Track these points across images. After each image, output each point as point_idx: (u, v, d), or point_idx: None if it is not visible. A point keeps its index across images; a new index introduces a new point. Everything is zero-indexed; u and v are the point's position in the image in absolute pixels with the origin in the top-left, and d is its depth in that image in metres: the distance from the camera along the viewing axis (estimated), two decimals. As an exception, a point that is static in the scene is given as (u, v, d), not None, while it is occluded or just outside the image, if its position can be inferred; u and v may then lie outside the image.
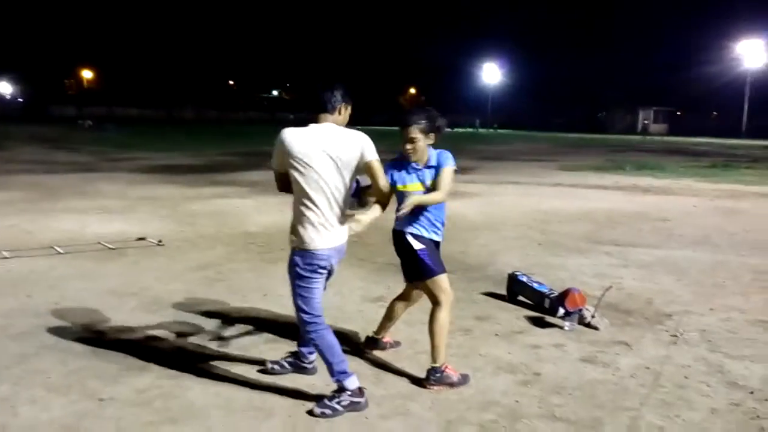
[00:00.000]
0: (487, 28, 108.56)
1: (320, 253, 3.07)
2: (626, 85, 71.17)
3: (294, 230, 3.11)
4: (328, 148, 3.01)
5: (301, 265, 3.08)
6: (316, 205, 3.03)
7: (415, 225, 3.50)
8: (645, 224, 9.06)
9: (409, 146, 3.41)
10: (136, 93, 75.21)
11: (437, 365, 3.46)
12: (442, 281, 3.51)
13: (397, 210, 3.30)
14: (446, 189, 3.43)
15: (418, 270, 3.53)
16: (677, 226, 8.92)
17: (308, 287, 3.12)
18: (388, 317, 3.94)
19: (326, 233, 3.07)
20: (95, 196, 11.05)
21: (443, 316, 3.49)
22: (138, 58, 78.47)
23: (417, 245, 3.49)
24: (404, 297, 3.87)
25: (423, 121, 3.39)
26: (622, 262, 6.60)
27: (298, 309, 3.17)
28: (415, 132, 3.38)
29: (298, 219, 3.08)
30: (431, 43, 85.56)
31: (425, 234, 3.52)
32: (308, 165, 2.99)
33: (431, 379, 3.44)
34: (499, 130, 62.88)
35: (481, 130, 59.38)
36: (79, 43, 75.13)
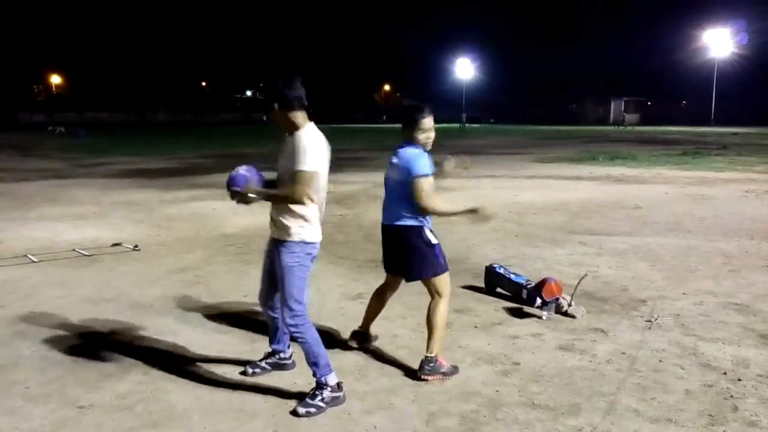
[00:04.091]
0: (458, 23, 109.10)
1: (317, 244, 3.29)
2: (597, 76, 72.09)
3: (293, 224, 3.19)
4: (329, 150, 3.27)
5: (303, 255, 3.22)
6: (316, 202, 3.25)
7: (429, 218, 3.56)
8: (618, 213, 9.21)
9: (432, 135, 3.54)
10: (107, 97, 73.84)
11: (432, 355, 3.50)
12: (447, 276, 3.60)
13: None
14: None
15: (429, 266, 3.53)
16: (650, 214, 9.08)
17: (305, 278, 3.26)
18: (373, 309, 3.96)
19: (319, 227, 3.29)
20: (69, 202, 10.88)
21: (444, 308, 3.55)
22: (108, 61, 77.00)
23: (434, 240, 3.55)
24: (387, 287, 3.90)
25: None
26: (597, 251, 6.71)
27: (295, 301, 3.19)
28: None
29: (301, 214, 3.19)
30: (403, 38, 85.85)
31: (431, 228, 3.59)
32: (325, 166, 3.24)
33: (425, 368, 3.47)
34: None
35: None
36: (46, 47, 73.55)
